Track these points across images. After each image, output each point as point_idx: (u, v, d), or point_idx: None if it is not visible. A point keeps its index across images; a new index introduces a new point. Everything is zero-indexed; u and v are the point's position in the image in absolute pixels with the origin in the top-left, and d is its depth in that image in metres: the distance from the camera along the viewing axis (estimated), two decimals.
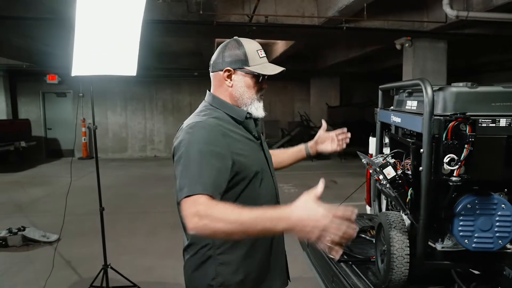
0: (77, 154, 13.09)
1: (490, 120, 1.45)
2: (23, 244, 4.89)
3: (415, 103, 1.85)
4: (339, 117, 12.71)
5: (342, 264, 2.05)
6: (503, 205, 1.54)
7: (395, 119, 1.93)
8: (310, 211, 1.10)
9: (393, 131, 2.04)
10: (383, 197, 2.42)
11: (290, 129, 12.63)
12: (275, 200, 1.55)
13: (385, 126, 2.37)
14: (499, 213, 1.54)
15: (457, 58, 9.42)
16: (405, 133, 2.03)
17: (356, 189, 3.53)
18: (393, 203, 2.15)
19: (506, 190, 1.61)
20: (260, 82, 1.49)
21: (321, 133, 1.84)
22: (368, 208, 3.14)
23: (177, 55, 11.75)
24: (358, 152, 1.95)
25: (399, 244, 1.58)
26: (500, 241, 1.56)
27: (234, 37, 1.53)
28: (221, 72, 1.50)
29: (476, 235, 1.54)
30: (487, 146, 1.45)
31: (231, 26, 5.92)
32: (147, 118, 13.73)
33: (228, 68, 1.48)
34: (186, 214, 1.19)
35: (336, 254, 1.11)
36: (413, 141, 1.63)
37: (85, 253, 4.60)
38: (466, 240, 1.53)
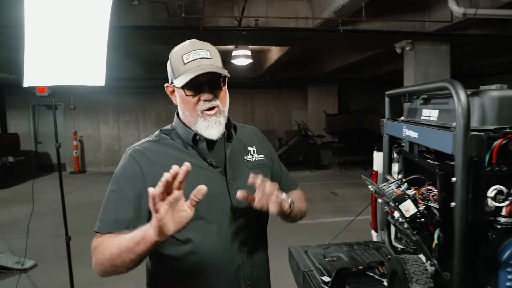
0: (68, 168, 12.69)
1: None
2: None
3: (435, 112, 1.43)
4: (338, 125, 12.37)
5: None
6: None
7: (410, 133, 1.52)
8: None
9: (406, 148, 1.62)
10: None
11: (287, 138, 12.22)
12: (237, 246, 1.24)
13: (393, 139, 1.96)
14: None
15: (458, 61, 9.07)
16: (422, 150, 1.61)
17: (363, 208, 3.07)
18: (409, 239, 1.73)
19: None
20: (191, 95, 1.20)
21: None
22: (374, 233, 2.72)
23: None
24: (363, 177, 1.54)
25: None
26: None
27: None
28: None
29: None
30: None
31: (219, 30, 5.53)
32: (141, 130, 13.32)
33: (166, 84, 1.29)
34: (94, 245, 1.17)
35: None
36: (439, 164, 1.21)
37: (62, 282, 4.15)
38: None
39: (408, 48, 6.54)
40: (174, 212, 0.95)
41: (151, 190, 0.91)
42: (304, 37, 6.17)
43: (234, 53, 7.43)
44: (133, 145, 1.27)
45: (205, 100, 1.19)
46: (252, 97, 13.58)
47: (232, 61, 7.78)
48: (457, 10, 4.27)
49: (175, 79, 1.21)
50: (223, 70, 1.20)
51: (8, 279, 4.38)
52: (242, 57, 7.39)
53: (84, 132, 12.99)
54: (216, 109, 1.21)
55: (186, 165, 0.94)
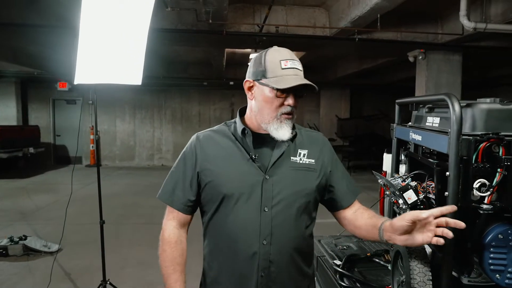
0: (84, 161, 13.10)
1: None
2: (24, 253, 4.80)
3: (437, 119, 1.69)
4: (349, 130, 12.56)
5: None
6: None
7: (415, 136, 1.78)
8: None
9: (412, 149, 1.88)
10: None
11: None
12: (256, 236, 1.33)
13: (401, 143, 2.22)
14: None
15: (470, 71, 9.23)
16: (425, 152, 1.87)
17: (371, 206, 3.33)
18: None
19: None
20: (280, 97, 1.31)
21: (403, 223, 1.21)
22: None
23: (187, 65, 11.74)
24: (374, 172, 1.81)
25: (421, 276, 1.42)
26: None
27: (273, 47, 1.41)
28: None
29: (509, 269, 1.37)
30: None
31: (241, 35, 5.84)
32: (156, 126, 13.69)
33: (248, 79, 1.38)
34: (164, 220, 1.46)
35: None
36: (437, 162, 1.48)
37: (86, 265, 4.48)
38: (497, 275, 1.37)
39: (420, 57, 6.76)
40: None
41: None
42: (321, 44, 6.45)
43: (251, 56, 7.72)
44: (198, 132, 1.47)
45: (288, 105, 1.32)
46: None
47: (249, 63, 8.08)
48: (468, 24, 4.50)
49: (267, 78, 1.31)
50: (312, 84, 1.34)
51: (37, 260, 4.72)
52: None
53: (100, 127, 13.37)
54: (292, 114, 1.34)
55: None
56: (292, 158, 1.39)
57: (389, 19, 5.43)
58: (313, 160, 1.42)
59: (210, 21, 4.93)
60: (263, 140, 1.38)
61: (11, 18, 5.66)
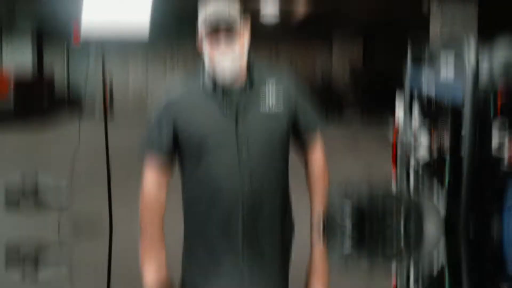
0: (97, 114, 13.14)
1: None
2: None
3: (451, 68, 1.55)
4: (362, 78, 12.32)
5: None
6: None
7: (429, 86, 1.64)
8: None
9: (424, 99, 1.75)
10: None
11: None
12: (238, 182, 1.41)
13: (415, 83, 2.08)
14: None
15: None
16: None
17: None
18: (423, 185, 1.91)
19: None
20: (212, 37, 1.35)
21: None
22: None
23: None
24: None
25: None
26: None
27: None
28: None
29: None
30: None
31: None
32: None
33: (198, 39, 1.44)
34: (144, 174, 1.46)
35: None
36: (452, 118, 1.35)
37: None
38: None
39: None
40: None
41: None
42: None
43: None
44: (170, 87, 1.55)
45: (218, 40, 1.35)
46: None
47: None
48: None
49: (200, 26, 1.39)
50: (227, 15, 1.34)
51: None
52: None
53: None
54: (229, 48, 1.36)
55: None
56: (261, 104, 1.44)
57: None
58: (281, 102, 1.45)
59: None
60: (232, 92, 1.42)
61: None
